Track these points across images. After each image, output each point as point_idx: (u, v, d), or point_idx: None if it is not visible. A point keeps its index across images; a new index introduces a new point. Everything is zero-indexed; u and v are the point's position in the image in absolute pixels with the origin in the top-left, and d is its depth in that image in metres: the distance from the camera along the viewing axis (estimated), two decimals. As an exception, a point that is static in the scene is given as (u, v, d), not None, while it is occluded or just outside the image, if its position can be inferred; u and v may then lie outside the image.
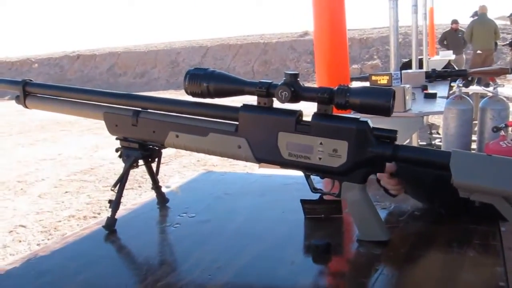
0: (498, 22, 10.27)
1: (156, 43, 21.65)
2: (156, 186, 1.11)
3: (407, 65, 6.50)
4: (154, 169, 1.08)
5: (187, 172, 4.73)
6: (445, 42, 10.21)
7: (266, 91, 0.82)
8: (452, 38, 10.10)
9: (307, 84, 0.82)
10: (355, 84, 2.24)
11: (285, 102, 0.80)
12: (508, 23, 10.16)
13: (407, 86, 1.79)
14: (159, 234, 0.98)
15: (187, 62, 18.64)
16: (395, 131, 0.79)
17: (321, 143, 0.80)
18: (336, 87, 0.79)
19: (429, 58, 7.40)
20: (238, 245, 0.88)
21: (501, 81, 8.10)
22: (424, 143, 5.29)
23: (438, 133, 5.44)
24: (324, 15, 1.72)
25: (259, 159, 0.87)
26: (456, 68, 8.62)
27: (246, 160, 0.89)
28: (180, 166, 5.31)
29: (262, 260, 0.81)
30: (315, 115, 0.81)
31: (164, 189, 1.15)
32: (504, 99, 3.69)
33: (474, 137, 3.88)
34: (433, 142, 5.18)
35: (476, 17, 9.30)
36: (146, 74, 18.37)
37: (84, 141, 6.93)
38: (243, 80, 0.86)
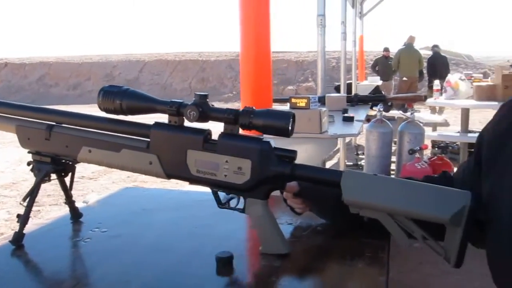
0: (423, 52, 11.01)
1: (91, 55, 21.05)
2: (69, 201, 1.10)
3: (339, 88, 6.81)
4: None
5: (116, 188, 4.62)
6: (376, 68, 10.79)
7: (176, 110, 0.86)
8: (383, 64, 10.70)
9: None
10: (276, 106, 2.34)
11: (193, 121, 0.85)
12: (431, 52, 10.90)
13: (324, 109, 1.90)
14: (68, 249, 0.98)
15: (123, 76, 18.29)
16: (294, 151, 0.86)
17: (226, 161, 0.85)
18: (242, 109, 0.84)
19: (358, 83, 7.80)
20: (147, 259, 0.90)
21: (420, 107, 8.67)
22: (351, 163, 5.54)
23: (364, 154, 5.70)
24: (250, 38, 1.79)
25: (169, 175, 0.90)
26: (384, 93, 9.14)
27: (157, 176, 0.91)
28: (109, 182, 5.19)
29: (168, 274, 0.84)
30: (221, 135, 0.86)
31: (81, 204, 1.14)
32: (420, 124, 3.99)
33: (394, 158, 4.13)
34: (359, 163, 5.43)
35: (403, 46, 9.90)
36: (80, 86, 17.80)
37: (7, 154, 6.59)
38: (155, 98, 0.89)
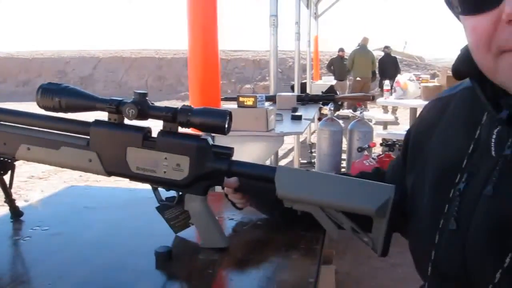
0: (376, 53, 11.34)
1: (42, 51, 20.32)
2: (9, 200, 1.09)
3: (302, 87, 6.93)
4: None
5: (68, 187, 4.51)
6: (332, 68, 11.02)
7: (115, 108, 0.87)
8: (338, 64, 10.95)
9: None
10: (225, 104, 2.37)
11: (132, 119, 0.86)
12: (383, 53, 11.23)
13: (271, 108, 1.95)
14: (7, 248, 0.97)
15: (76, 73, 17.79)
16: (231, 148, 0.89)
17: (165, 158, 0.87)
18: (180, 107, 0.87)
19: (313, 82, 7.96)
20: (85, 256, 0.90)
21: (373, 106, 8.93)
22: (305, 161, 5.66)
23: (317, 152, 5.81)
24: (197, 36, 1.80)
25: (109, 172, 0.91)
26: (339, 93, 9.35)
27: (97, 173, 0.92)
28: (61, 182, 5.06)
29: (107, 269, 0.85)
30: (160, 132, 0.88)
31: (23, 203, 1.13)
32: (369, 122, 4.14)
33: (345, 156, 4.26)
34: (313, 161, 5.54)
35: (357, 47, 10.17)
36: (30, 83, 17.18)
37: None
38: (95, 96, 0.90)
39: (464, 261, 0.63)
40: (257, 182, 0.88)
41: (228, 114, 0.86)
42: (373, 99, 3.92)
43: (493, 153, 0.62)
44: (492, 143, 0.63)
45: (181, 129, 0.89)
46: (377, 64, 10.42)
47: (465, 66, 0.63)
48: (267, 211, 1.07)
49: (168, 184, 0.89)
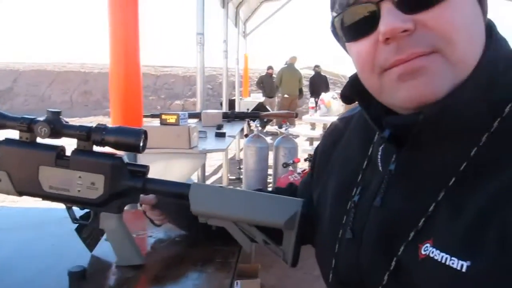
0: (305, 72, 11.71)
1: (-45, 63, 18.98)
2: None
3: (230, 103, 6.99)
4: None
5: (-19, 209, 4.22)
6: (261, 85, 11.24)
7: (27, 126, 0.86)
8: (267, 82, 11.19)
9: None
10: (147, 122, 2.36)
11: (45, 137, 0.86)
12: (313, 72, 11.65)
13: (193, 125, 1.98)
14: None
15: (-7, 87, 16.74)
16: (146, 166, 0.91)
17: (80, 177, 0.87)
18: (94, 126, 0.87)
19: (242, 99, 8.08)
20: (-6, 278, 0.87)
21: (301, 122, 9.19)
22: (234, 177, 5.70)
23: (246, 168, 5.87)
24: (119, 52, 1.78)
25: (20, 192, 0.89)
26: (269, 109, 9.55)
27: (8, 193, 0.90)
28: (-27, 203, 4.71)
29: (16, 292, 0.83)
30: (74, 151, 0.88)
31: None
32: (293, 139, 4.27)
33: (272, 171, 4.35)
34: (241, 176, 5.59)
35: (285, 66, 10.47)
36: None
37: None
38: (5, 114, 0.88)
39: (358, 267, 0.69)
40: (173, 199, 0.91)
41: (142, 133, 0.88)
42: (296, 116, 4.06)
43: (380, 168, 0.70)
44: (379, 159, 0.70)
45: (97, 148, 0.90)
46: (303, 82, 10.77)
47: (351, 91, 0.70)
48: (185, 227, 1.09)
49: (83, 203, 0.89)
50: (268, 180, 4.50)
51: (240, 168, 5.90)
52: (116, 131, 0.87)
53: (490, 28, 0.61)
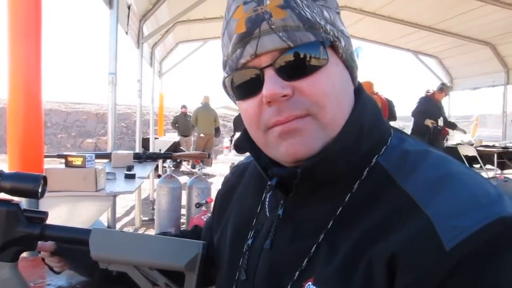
0: (223, 111, 11.85)
1: None
2: None
3: (144, 143, 6.86)
4: None
5: None
6: (177, 125, 11.20)
7: None
8: (182, 121, 11.17)
9: None
10: (48, 163, 2.28)
11: None
12: (230, 111, 11.84)
13: (100, 167, 1.95)
14: None
15: None
16: (45, 212, 0.89)
17: (-29, 225, 0.84)
18: (-11, 173, 0.85)
19: (156, 138, 7.99)
20: None
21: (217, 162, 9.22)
22: (147, 218, 5.56)
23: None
24: (18, 87, 1.69)
25: None
26: (184, 149, 9.51)
27: None
28: None
29: None
30: None
31: None
32: (206, 179, 4.30)
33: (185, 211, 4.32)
34: (154, 217, 5.48)
35: (201, 105, 10.56)
36: None
37: None
38: None
39: None
40: (73, 245, 0.90)
41: (41, 178, 0.87)
42: (209, 156, 4.10)
43: (267, 213, 0.75)
44: (266, 205, 0.77)
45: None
46: (220, 121, 10.91)
47: (243, 142, 0.76)
48: (86, 273, 1.07)
49: (-26, 253, 0.85)
50: (182, 221, 4.46)
51: (153, 209, 5.77)
52: (13, 177, 0.85)
53: (358, 90, 0.71)
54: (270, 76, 0.62)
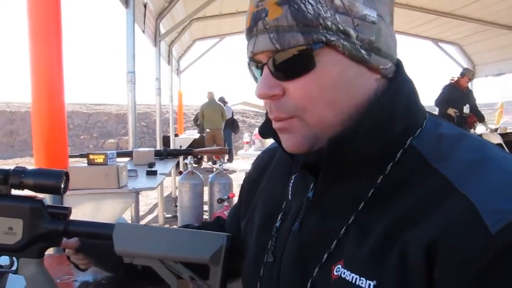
0: (241, 107, 11.79)
1: None
2: None
3: (165, 140, 6.91)
4: None
5: None
6: (198, 122, 11.21)
7: None
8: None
9: None
10: (75, 162, 2.31)
11: (-43, 183, 0.82)
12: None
13: (122, 164, 1.96)
14: None
15: None
16: (68, 208, 0.89)
17: (-4, 222, 0.84)
18: (12, 169, 0.85)
19: (176, 136, 8.03)
20: None
21: (238, 157, 9.23)
22: (170, 215, 5.60)
23: (182, 206, 5.79)
24: (42, 90, 1.70)
25: None
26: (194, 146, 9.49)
27: None
28: None
29: None
30: None
31: None
32: (228, 174, 4.30)
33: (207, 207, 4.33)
34: (177, 214, 5.51)
35: (206, 101, 10.50)
36: None
37: None
38: None
39: None
40: (97, 240, 0.89)
41: (63, 174, 0.86)
42: (229, 152, 4.10)
43: (289, 197, 0.75)
44: (289, 188, 0.76)
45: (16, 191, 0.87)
46: (226, 116, 10.75)
47: (266, 129, 0.75)
48: (111, 269, 1.07)
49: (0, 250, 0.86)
50: (205, 216, 4.47)
51: (176, 206, 5.81)
52: (36, 173, 0.85)
53: (396, 71, 0.67)
54: (265, 74, 0.64)
